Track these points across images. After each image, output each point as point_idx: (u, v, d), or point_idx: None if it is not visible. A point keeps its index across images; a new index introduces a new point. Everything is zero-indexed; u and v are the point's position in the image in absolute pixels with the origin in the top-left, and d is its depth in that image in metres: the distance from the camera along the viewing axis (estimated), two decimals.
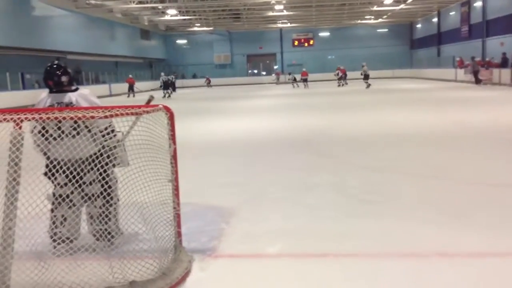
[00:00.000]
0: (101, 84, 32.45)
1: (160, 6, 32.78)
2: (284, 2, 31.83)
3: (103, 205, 3.47)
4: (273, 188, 5.27)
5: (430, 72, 36.17)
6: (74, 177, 3.22)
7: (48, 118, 2.98)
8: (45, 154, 3.39)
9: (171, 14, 35.46)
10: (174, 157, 3.35)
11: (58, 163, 3.30)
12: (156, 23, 41.19)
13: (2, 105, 20.72)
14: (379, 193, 4.88)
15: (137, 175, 3.30)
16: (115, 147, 3.46)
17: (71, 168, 3.23)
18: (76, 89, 3.56)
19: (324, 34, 47.38)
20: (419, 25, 45.22)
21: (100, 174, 3.30)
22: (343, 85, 31.24)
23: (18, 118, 2.88)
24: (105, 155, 3.31)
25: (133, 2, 29.65)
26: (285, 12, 36.00)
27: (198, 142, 9.09)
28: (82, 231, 3.59)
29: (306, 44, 48.12)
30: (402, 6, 34.74)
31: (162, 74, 28.98)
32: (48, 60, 27.13)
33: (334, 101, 19.33)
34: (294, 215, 4.27)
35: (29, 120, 2.93)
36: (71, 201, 3.42)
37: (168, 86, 27.55)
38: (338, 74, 31.71)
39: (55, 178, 3.38)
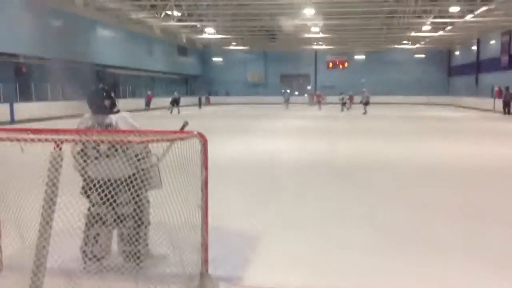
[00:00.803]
0: (138, 98, 33.24)
1: (198, 24, 33.54)
2: (320, 25, 31.98)
3: (134, 227, 3.53)
4: (301, 216, 5.23)
5: (467, 101, 35.39)
6: (108, 197, 3.30)
7: (87, 140, 3.08)
8: (83, 173, 3.50)
9: (209, 33, 36.18)
10: (205, 183, 3.38)
11: (94, 183, 3.38)
12: (194, 40, 42.11)
13: (43, 115, 21.55)
14: (411, 231, 4.75)
15: (168, 199, 3.35)
16: (148, 170, 3.53)
17: (106, 188, 3.32)
18: (117, 111, 3.66)
19: (359, 57, 47.22)
20: (457, 52, 44.48)
21: (133, 196, 3.37)
22: (347, 109, 31.14)
23: (59, 139, 2.98)
24: (139, 178, 3.39)
25: (173, 20, 30.42)
26: (321, 35, 36.15)
27: (226, 162, 9.04)
28: (112, 250, 3.65)
29: (340, 67, 48.07)
30: (441, 33, 34.32)
31: (175, 93, 30.34)
32: (88, 72, 28.14)
33: (366, 126, 19.12)
34: (320, 247, 4.21)
35: (69, 141, 3.03)
36: (104, 220, 3.50)
37: (175, 102, 28.96)
38: (343, 99, 31.34)
39: (91, 197, 3.47)
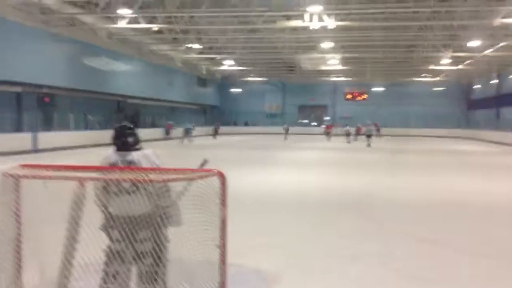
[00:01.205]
0: (157, 127, 33.72)
1: (218, 57, 34.22)
2: (339, 57, 32.31)
3: (153, 264, 3.53)
4: (317, 253, 5.18)
5: (488, 134, 34.90)
6: (127, 233, 3.33)
7: (110, 179, 3.15)
8: (104, 208, 3.54)
9: (228, 65, 36.84)
10: (223, 222, 3.39)
11: (115, 218, 3.42)
12: (213, 72, 42.89)
13: (66, 144, 21.99)
14: (430, 270, 4.65)
15: (187, 236, 3.37)
16: (168, 207, 3.56)
17: (126, 225, 3.35)
18: (140, 148, 3.74)
19: (378, 89, 47.28)
20: (477, 86, 44.20)
21: (153, 233, 3.39)
22: (352, 140, 31.29)
23: (82, 177, 3.05)
24: (158, 214, 3.42)
25: (194, 52, 31.12)
26: (339, 67, 36.45)
27: (242, 194, 8.95)
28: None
29: (359, 98, 48.16)
30: (460, 66, 34.26)
31: (187, 123, 31.01)
32: (110, 103, 28.76)
33: (385, 159, 18.97)
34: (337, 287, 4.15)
35: (92, 180, 3.09)
36: (123, 257, 3.51)
37: (187, 133, 29.58)
38: (347, 131, 31.61)
39: (111, 234, 3.50)
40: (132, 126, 3.80)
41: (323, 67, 36.70)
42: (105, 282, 3.52)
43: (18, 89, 21.46)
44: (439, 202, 8.75)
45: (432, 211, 7.89)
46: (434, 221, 7.13)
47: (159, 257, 3.51)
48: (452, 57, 30.44)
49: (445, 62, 32.38)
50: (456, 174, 13.42)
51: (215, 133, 37.72)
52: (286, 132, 35.94)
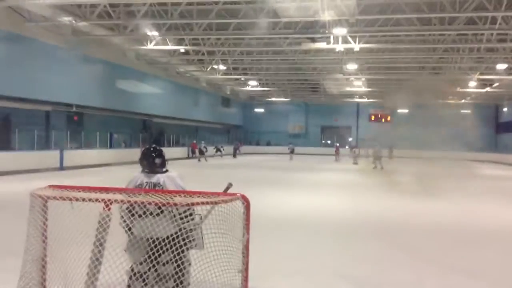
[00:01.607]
0: (181, 146, 34.06)
1: (242, 77, 34.60)
2: (363, 79, 32.21)
3: (173, 287, 3.52)
4: (341, 283, 5.05)
5: None
6: (150, 255, 3.34)
7: (135, 202, 3.19)
8: (129, 230, 3.58)
9: (252, 85, 37.16)
10: (246, 247, 3.37)
11: (138, 240, 3.44)
12: (237, 92, 43.31)
13: (91, 162, 22.39)
14: None
15: (209, 261, 3.36)
16: (191, 230, 3.57)
17: (149, 246, 3.37)
18: (166, 171, 3.79)
19: (403, 111, 46.74)
20: (505, 109, 43.25)
21: (175, 255, 3.39)
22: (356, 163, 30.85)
23: (108, 200, 3.09)
24: (181, 237, 3.43)
25: (219, 73, 31.54)
26: (363, 88, 36.30)
27: (262, 216, 8.63)
28: None
29: (383, 120, 47.71)
30: (488, 89, 33.67)
31: (203, 142, 31.80)
32: (135, 121, 29.25)
33: (411, 182, 18.60)
34: None
35: (118, 202, 3.13)
36: (145, 279, 3.52)
37: (201, 152, 30.84)
38: (354, 152, 31.47)
39: (134, 255, 3.52)
40: (159, 148, 3.91)
41: (348, 88, 36.62)
42: None
43: (48, 107, 22.08)
44: (470, 229, 8.47)
45: (463, 238, 7.63)
46: (466, 249, 6.87)
47: (179, 280, 3.50)
48: (479, 80, 29.97)
49: (472, 85, 31.87)
50: (485, 200, 13.03)
51: (234, 153, 37.98)
52: (291, 152, 35.80)
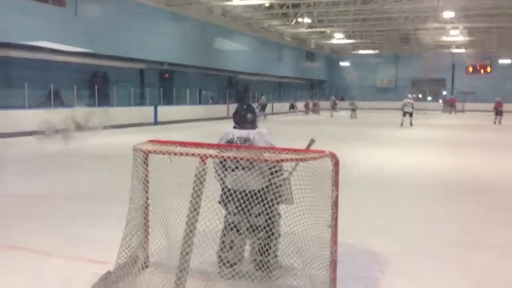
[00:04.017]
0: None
1: (328, 30, 33.55)
2: (461, 27, 29.68)
3: (265, 238, 3.68)
4: (435, 241, 4.91)
5: None
6: (243, 207, 3.51)
7: (228, 157, 3.34)
8: (222, 183, 3.77)
9: (338, 38, 35.96)
10: (335, 203, 3.39)
11: (232, 193, 3.62)
12: (322, 46, 42.22)
13: (182, 117, 23.50)
14: None
15: (299, 215, 3.44)
16: (280, 185, 3.66)
17: (241, 199, 3.53)
18: (256, 127, 3.93)
19: (505, 61, 42.63)
20: None
21: (266, 208, 3.53)
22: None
23: (204, 155, 3.26)
24: (271, 191, 3.55)
25: (303, 27, 30.86)
26: (460, 38, 33.53)
27: (350, 173, 8.33)
28: (245, 258, 3.86)
29: (482, 71, 44.02)
30: None
31: (263, 97, 28.17)
32: (221, 78, 29.99)
33: (508, 138, 17.23)
34: (457, 279, 3.92)
35: (212, 157, 3.29)
36: (239, 229, 3.73)
37: (264, 108, 26.91)
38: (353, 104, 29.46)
39: (228, 206, 3.72)
40: (252, 105, 4.07)
41: (443, 38, 34.05)
42: (221, 250, 3.79)
43: (142, 65, 23.31)
44: None
45: None
46: None
47: (271, 231, 3.66)
48: None
49: None
50: None
51: (313, 110, 35.59)
52: (333, 105, 32.97)
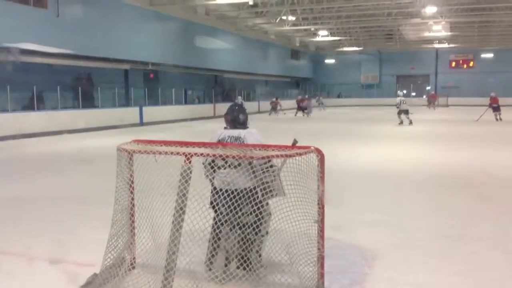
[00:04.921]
0: (251, 101, 34.33)
1: (312, 28, 33.63)
2: (443, 22, 30.00)
3: (252, 234, 3.67)
4: (422, 234, 4.95)
5: None
6: (231, 206, 3.50)
7: (214, 155, 3.31)
8: (211, 182, 3.76)
9: (322, 35, 36.07)
10: (321, 199, 3.40)
11: (219, 191, 3.61)
12: (307, 43, 42.31)
13: (168, 118, 23.36)
14: None
15: (286, 211, 3.44)
16: (272, 181, 3.66)
17: (229, 198, 3.52)
18: (247, 128, 3.99)
19: (487, 55, 43.25)
20: None
21: (253, 206, 3.52)
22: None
23: (189, 153, 3.23)
24: (261, 190, 3.54)
25: (287, 24, 30.89)
26: (443, 33, 33.89)
27: (336, 169, 8.51)
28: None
29: (465, 66, 44.59)
30: None
31: (239, 97, 27.88)
32: (207, 78, 29.88)
33: (495, 132, 17.49)
34: (445, 271, 3.96)
35: (198, 155, 3.26)
36: (226, 226, 3.71)
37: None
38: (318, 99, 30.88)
39: (217, 208, 3.70)
40: (243, 107, 4.17)
41: (426, 34, 34.37)
42: (209, 252, 3.78)
43: (126, 66, 23.11)
44: None
45: None
46: None
47: (259, 229, 3.65)
48: None
49: None
50: None
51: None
52: (319, 103, 35.52)
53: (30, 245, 4.63)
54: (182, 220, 3.13)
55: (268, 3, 26.00)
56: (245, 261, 3.58)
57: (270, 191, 3.59)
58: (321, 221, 3.39)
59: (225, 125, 3.99)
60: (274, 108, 30.75)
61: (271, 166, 3.65)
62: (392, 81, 46.32)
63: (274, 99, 31.84)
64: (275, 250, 3.71)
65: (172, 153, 3.27)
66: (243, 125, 3.97)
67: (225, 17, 28.97)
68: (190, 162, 3.18)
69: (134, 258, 3.85)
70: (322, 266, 3.42)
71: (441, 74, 45.09)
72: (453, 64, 44.96)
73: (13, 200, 6.72)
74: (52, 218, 5.74)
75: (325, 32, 35.15)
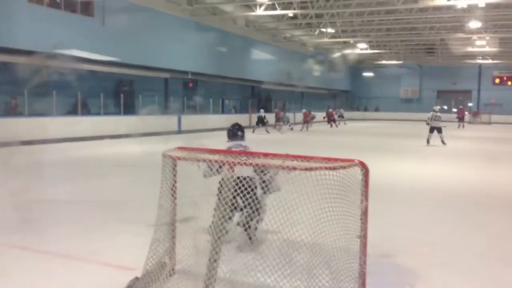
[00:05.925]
0: (287, 113, 34.28)
1: (351, 40, 33.43)
2: (487, 38, 29.19)
3: (252, 211, 4.04)
4: (466, 255, 4.78)
5: None
6: (241, 187, 3.52)
7: (256, 164, 3.33)
8: (218, 173, 4.01)
9: (361, 48, 35.78)
10: (365, 213, 3.33)
11: (234, 180, 3.69)
12: (345, 56, 42.05)
13: (205, 126, 23.65)
14: None
15: (328, 226, 3.39)
16: (269, 181, 3.99)
17: (236, 184, 3.58)
18: (244, 140, 5.16)
19: None
20: None
21: (251, 194, 3.66)
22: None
23: (232, 162, 3.26)
24: (259, 182, 4.11)
25: (326, 37, 30.83)
26: (487, 48, 32.94)
27: (376, 184, 8.50)
28: None
29: (509, 83, 43.09)
30: None
31: (262, 110, 26.06)
32: (244, 88, 30.00)
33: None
34: None
35: (241, 165, 3.28)
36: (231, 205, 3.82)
37: (261, 122, 25.09)
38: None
39: (224, 192, 3.78)
40: (240, 125, 5.31)
41: (469, 49, 33.51)
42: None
43: (166, 75, 23.62)
44: None
45: None
46: None
47: (258, 212, 4.23)
48: None
49: None
50: None
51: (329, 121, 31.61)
52: (339, 116, 31.94)
53: (72, 246, 4.76)
54: (224, 228, 3.15)
55: (308, 15, 26.04)
56: (246, 229, 4.36)
57: (266, 186, 4.03)
58: (363, 237, 3.32)
59: (227, 139, 5.13)
60: (306, 121, 28.02)
61: (266, 169, 3.89)
62: (432, 96, 45.22)
63: (305, 111, 29.18)
64: (316, 264, 3.66)
65: (216, 161, 3.31)
66: (242, 137, 5.15)
67: (264, 28, 29.22)
68: (233, 171, 3.21)
69: (174, 264, 3.88)
70: (363, 283, 3.34)
71: (484, 90, 43.74)
72: (497, 80, 43.53)
73: (58, 202, 6.94)
74: (94, 221, 5.88)
75: (364, 45, 34.87)
